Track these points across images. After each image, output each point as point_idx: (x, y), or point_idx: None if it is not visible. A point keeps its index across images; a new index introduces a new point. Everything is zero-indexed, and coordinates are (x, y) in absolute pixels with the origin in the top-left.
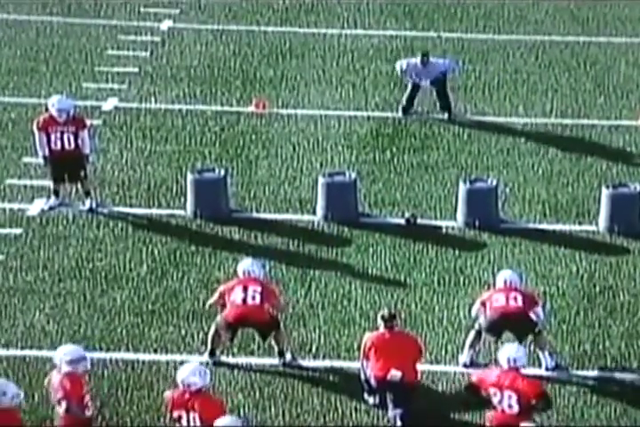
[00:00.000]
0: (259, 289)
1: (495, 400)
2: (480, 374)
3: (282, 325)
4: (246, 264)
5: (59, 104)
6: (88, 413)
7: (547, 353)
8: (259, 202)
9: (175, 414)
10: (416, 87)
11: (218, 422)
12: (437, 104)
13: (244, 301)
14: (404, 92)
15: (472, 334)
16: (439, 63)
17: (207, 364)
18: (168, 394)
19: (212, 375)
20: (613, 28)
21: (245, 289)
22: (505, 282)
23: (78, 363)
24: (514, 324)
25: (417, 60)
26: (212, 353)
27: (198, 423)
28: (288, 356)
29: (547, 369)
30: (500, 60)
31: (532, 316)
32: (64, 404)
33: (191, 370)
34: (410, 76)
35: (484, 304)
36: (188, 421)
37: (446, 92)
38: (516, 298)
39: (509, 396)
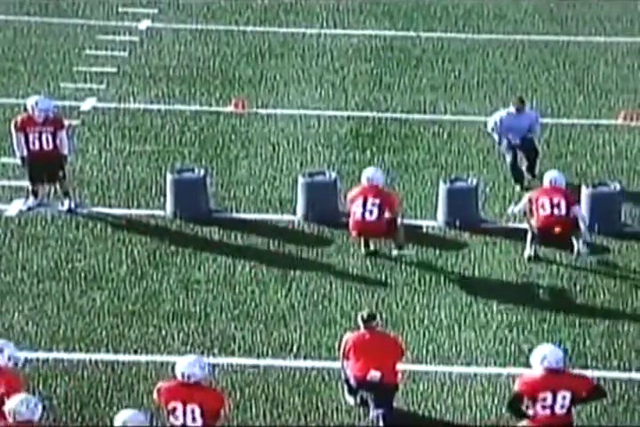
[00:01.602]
0: (377, 201)
1: (542, 405)
2: (525, 381)
3: (399, 225)
4: (370, 172)
5: (39, 104)
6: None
7: (581, 241)
8: (239, 202)
9: (170, 405)
10: (514, 150)
11: (121, 415)
12: (525, 166)
13: (363, 215)
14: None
15: (529, 235)
16: (532, 115)
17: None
18: (161, 385)
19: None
20: (593, 27)
21: (365, 202)
22: (550, 182)
23: (17, 358)
24: (557, 235)
25: (509, 108)
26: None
27: (198, 415)
28: (405, 251)
29: (578, 253)
30: (480, 59)
31: (574, 214)
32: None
33: (191, 362)
34: (501, 131)
35: (530, 202)
36: (185, 412)
37: (537, 154)
38: (559, 204)
39: (563, 396)
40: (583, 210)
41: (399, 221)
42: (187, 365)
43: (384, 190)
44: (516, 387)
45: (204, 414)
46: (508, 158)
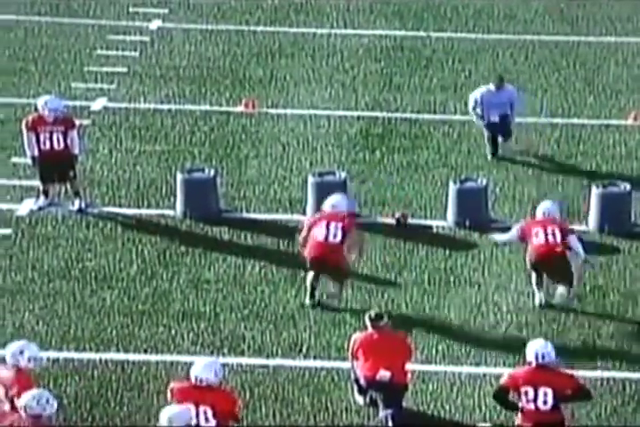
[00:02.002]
0: (340, 226)
1: (526, 399)
2: (511, 374)
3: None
4: (334, 199)
5: (49, 104)
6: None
7: (567, 289)
8: (248, 202)
9: None
10: (491, 127)
11: (166, 412)
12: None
13: (326, 238)
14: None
15: (534, 274)
16: (510, 90)
17: (311, 306)
18: (174, 385)
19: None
20: (603, 27)
21: (328, 225)
22: (544, 213)
23: (39, 360)
24: (553, 264)
25: (489, 86)
26: (312, 294)
27: (210, 416)
28: (339, 291)
29: (560, 297)
30: (490, 59)
31: (570, 247)
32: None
33: (205, 366)
34: (480, 108)
35: (522, 232)
36: (198, 413)
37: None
38: (554, 233)
39: (545, 393)
40: (592, 210)
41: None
42: (202, 369)
43: (348, 218)
44: (502, 379)
45: (217, 416)
46: (487, 134)
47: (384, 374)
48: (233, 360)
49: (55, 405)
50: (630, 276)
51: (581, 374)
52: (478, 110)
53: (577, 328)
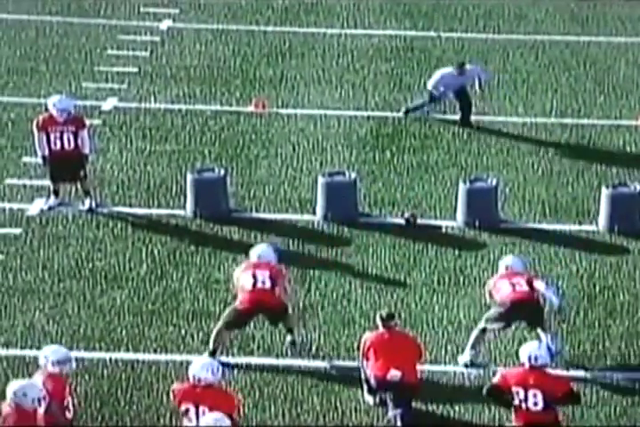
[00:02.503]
0: (267, 274)
1: (518, 399)
2: (503, 374)
3: (290, 309)
4: (259, 249)
5: (59, 104)
6: (69, 415)
7: (549, 336)
8: (258, 202)
9: (183, 407)
10: (434, 100)
11: (204, 420)
12: (460, 115)
13: (254, 285)
14: (414, 97)
15: (475, 332)
16: (474, 69)
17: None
18: (175, 386)
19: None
20: (613, 27)
21: (255, 275)
22: (507, 268)
23: (64, 364)
24: (524, 311)
25: (452, 69)
26: (212, 353)
27: None
28: (296, 336)
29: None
30: (500, 59)
31: (542, 296)
32: (44, 404)
33: (203, 365)
34: (440, 87)
35: (490, 293)
36: (197, 414)
37: (469, 99)
38: (520, 283)
39: (534, 394)
40: (602, 211)
41: (290, 304)
42: (198, 368)
43: (274, 267)
44: (495, 378)
45: None
46: (425, 99)
47: (395, 374)
48: (242, 360)
49: (40, 402)
50: None
51: (590, 374)
52: (440, 89)
53: (586, 328)
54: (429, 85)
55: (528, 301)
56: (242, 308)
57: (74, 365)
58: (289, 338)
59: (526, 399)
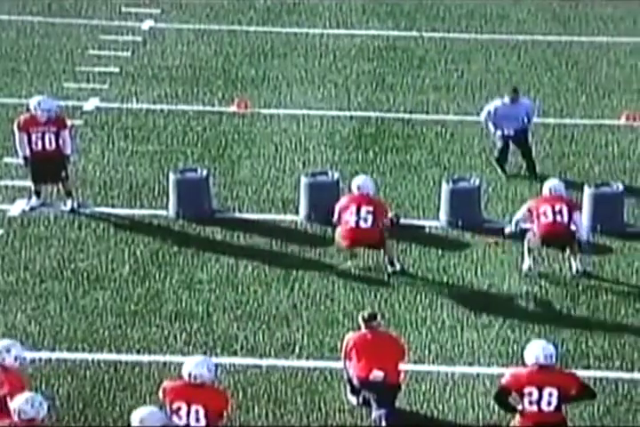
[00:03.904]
0: (371, 209)
1: (529, 400)
2: (512, 374)
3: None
4: (360, 180)
5: (44, 104)
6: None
7: (578, 259)
8: (241, 202)
9: (174, 405)
10: (505, 140)
11: (138, 413)
12: (524, 165)
13: (357, 223)
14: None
15: (527, 241)
16: (526, 103)
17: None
18: (166, 384)
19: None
20: (595, 27)
21: (359, 210)
22: (550, 191)
23: (23, 359)
24: (560, 242)
25: (503, 99)
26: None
27: (202, 415)
28: (397, 266)
29: (576, 272)
30: (483, 59)
31: (574, 226)
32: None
33: (200, 363)
34: (495, 121)
35: (530, 212)
36: (189, 412)
37: (530, 147)
38: (561, 211)
39: (550, 393)
40: (585, 210)
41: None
42: (195, 365)
43: (376, 199)
44: (504, 380)
45: (208, 415)
46: (499, 145)
47: (377, 375)
48: (226, 360)
49: (46, 407)
50: (623, 275)
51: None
52: (490, 124)
53: (569, 328)
54: (482, 118)
55: (564, 232)
56: (346, 244)
57: (28, 360)
58: (391, 269)
59: (540, 399)
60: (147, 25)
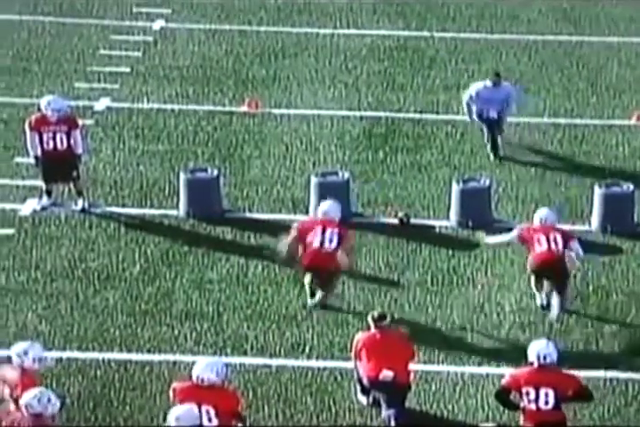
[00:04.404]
0: (336, 231)
1: (528, 399)
2: (512, 375)
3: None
4: (326, 205)
5: (54, 104)
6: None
7: (559, 301)
8: (251, 202)
9: None
10: (488, 122)
11: (174, 412)
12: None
13: (322, 244)
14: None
15: (533, 278)
16: (508, 87)
17: (314, 306)
18: (177, 385)
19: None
20: (606, 27)
21: (324, 232)
22: (541, 221)
23: (44, 361)
24: (552, 271)
25: (485, 82)
26: (312, 295)
27: (213, 415)
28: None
29: (551, 318)
30: (493, 59)
31: (571, 255)
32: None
33: (207, 365)
34: (475, 103)
35: (524, 237)
36: (200, 413)
37: (502, 128)
38: (556, 239)
39: (546, 393)
40: (595, 210)
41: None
42: (202, 369)
43: (342, 226)
44: (504, 380)
45: (220, 415)
46: (485, 132)
47: (387, 374)
48: (236, 360)
49: (57, 404)
50: (633, 276)
51: (584, 374)
52: (473, 107)
53: (580, 328)
54: (464, 101)
55: (557, 261)
56: (306, 264)
57: (50, 362)
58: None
59: (537, 399)
60: (158, 25)
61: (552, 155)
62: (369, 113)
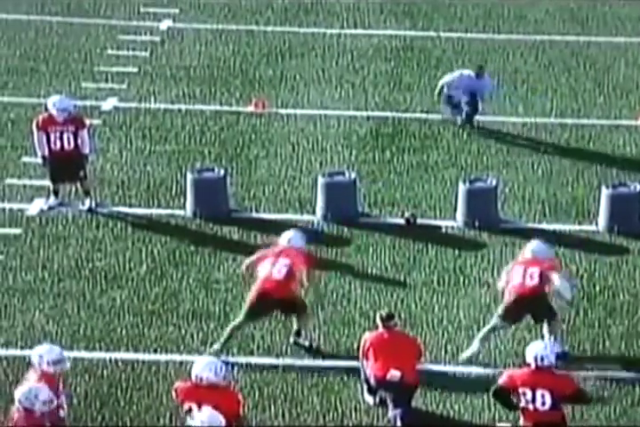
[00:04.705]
0: (289, 262)
1: (525, 400)
2: (509, 374)
3: (305, 305)
4: (290, 234)
5: (59, 104)
6: (62, 414)
7: (556, 340)
8: (258, 202)
9: (186, 406)
10: (460, 108)
11: (201, 415)
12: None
13: (271, 274)
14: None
15: (486, 329)
16: (488, 81)
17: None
18: (178, 385)
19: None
20: (613, 27)
21: (276, 262)
22: (531, 253)
23: (59, 364)
24: (530, 305)
25: (470, 72)
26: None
27: None
28: (306, 342)
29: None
30: (500, 59)
31: (550, 293)
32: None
33: (206, 365)
34: (455, 88)
35: (507, 281)
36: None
37: (476, 109)
38: (532, 275)
39: (542, 394)
40: (602, 211)
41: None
42: (200, 368)
43: (302, 254)
44: (501, 379)
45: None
46: (465, 108)
47: (395, 374)
48: (242, 360)
49: (51, 404)
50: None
51: (591, 374)
52: (449, 91)
53: (586, 328)
54: (439, 86)
55: (533, 295)
56: (256, 294)
57: (68, 364)
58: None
59: (534, 400)
60: (165, 25)
61: (559, 155)
62: (376, 113)
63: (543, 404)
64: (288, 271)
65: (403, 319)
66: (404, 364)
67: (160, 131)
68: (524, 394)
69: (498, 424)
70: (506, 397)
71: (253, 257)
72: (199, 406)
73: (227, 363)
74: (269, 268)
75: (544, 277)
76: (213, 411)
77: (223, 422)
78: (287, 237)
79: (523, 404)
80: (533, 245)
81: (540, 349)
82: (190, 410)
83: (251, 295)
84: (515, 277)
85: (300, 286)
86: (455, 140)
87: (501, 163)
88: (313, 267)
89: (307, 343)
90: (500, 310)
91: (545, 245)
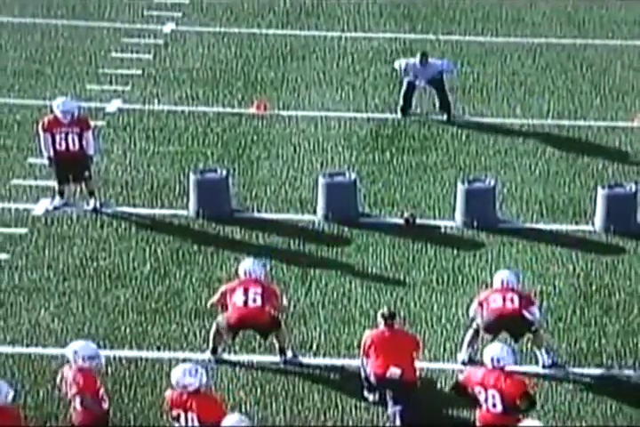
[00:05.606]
0: (259, 291)
1: (481, 399)
2: (467, 373)
3: (282, 323)
4: (247, 264)
5: (63, 106)
6: (105, 405)
7: (543, 351)
8: (260, 202)
9: (174, 413)
10: (411, 86)
11: (225, 421)
12: (437, 105)
13: (245, 303)
14: (400, 92)
15: (470, 332)
16: (437, 64)
17: (209, 361)
18: (168, 393)
19: (212, 373)
20: (609, 30)
21: (246, 291)
22: (502, 282)
23: (94, 359)
24: (510, 324)
25: (416, 59)
26: (213, 351)
27: (196, 423)
28: (289, 353)
29: (543, 367)
30: (498, 62)
31: (528, 315)
32: (79, 398)
33: (183, 371)
34: (407, 74)
35: (481, 304)
36: (187, 420)
37: (445, 93)
38: (512, 299)
39: (493, 395)
40: (598, 211)
41: (281, 322)
42: (179, 375)
43: (265, 282)
44: (461, 376)
45: (202, 422)
46: (403, 91)
47: (395, 372)
48: (244, 358)
49: (10, 396)
50: (636, 275)
51: (587, 372)
52: (410, 73)
53: (583, 327)
54: (396, 66)
55: (513, 316)
56: (232, 323)
57: (103, 360)
58: (281, 358)
59: (486, 399)
60: (168, 28)
61: (556, 156)
62: (376, 115)
63: (494, 405)
64: (262, 299)
65: (402, 318)
66: (404, 362)
67: (163, 132)
68: (480, 393)
69: (520, 425)
70: (463, 394)
71: (218, 294)
72: (185, 414)
73: (204, 367)
74: (243, 298)
75: (523, 303)
76: (241, 415)
77: (249, 423)
78: (245, 270)
79: (481, 402)
80: (504, 275)
81: (497, 350)
82: (179, 417)
83: (230, 321)
84: (494, 302)
85: (275, 311)
86: (454, 142)
87: (499, 164)
88: (280, 293)
89: (293, 358)
90: (479, 323)
91: (514, 273)
